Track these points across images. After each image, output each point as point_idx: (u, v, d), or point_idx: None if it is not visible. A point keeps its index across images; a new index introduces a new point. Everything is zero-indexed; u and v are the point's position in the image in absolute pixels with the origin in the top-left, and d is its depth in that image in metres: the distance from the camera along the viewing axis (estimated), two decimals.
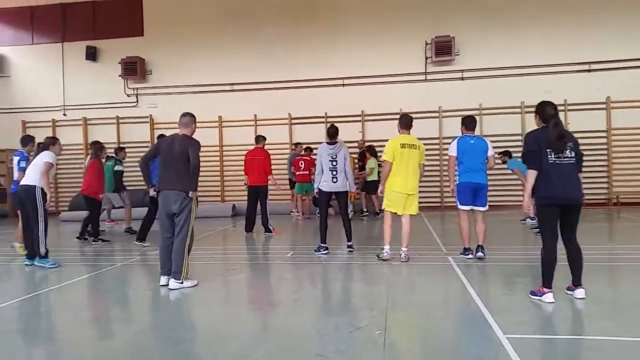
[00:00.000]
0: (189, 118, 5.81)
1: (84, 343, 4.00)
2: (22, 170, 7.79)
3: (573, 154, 4.61)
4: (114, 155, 11.06)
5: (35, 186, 6.86)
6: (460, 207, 6.75)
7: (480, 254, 6.63)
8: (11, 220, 13.50)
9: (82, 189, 9.60)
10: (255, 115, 15.05)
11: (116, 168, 10.66)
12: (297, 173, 12.34)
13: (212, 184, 15.27)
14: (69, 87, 16.02)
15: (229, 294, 5.70)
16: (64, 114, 16.01)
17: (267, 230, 9.89)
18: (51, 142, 7.41)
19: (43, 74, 16.26)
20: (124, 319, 4.73)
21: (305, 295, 5.50)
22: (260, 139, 10.24)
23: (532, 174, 4.64)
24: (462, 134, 6.88)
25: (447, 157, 13.46)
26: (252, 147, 10.37)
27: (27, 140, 8.50)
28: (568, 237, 4.70)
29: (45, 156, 7.03)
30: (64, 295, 5.73)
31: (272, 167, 10.06)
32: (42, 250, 6.93)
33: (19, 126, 15.95)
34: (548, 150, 4.56)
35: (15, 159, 8.22)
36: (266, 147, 10.30)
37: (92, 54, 15.71)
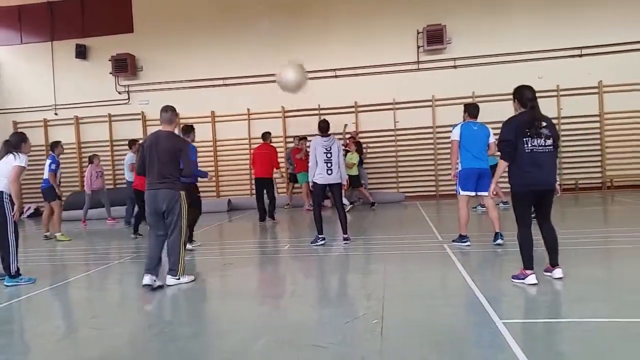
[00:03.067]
0: (171, 113, 5.52)
1: (83, 341, 4.00)
2: (53, 172, 9.39)
3: (551, 142, 4.61)
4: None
5: (2, 192, 5.84)
6: (462, 193, 6.68)
7: (499, 240, 6.54)
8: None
9: (136, 184, 9.24)
10: (248, 109, 14.99)
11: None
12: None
13: (207, 180, 15.20)
14: (59, 86, 15.90)
15: (226, 289, 5.70)
16: (56, 114, 15.89)
17: (272, 217, 10.56)
18: (22, 140, 6.30)
19: (33, 74, 16.11)
20: (122, 317, 4.71)
21: (302, 287, 5.51)
22: (266, 135, 10.90)
23: (502, 164, 4.68)
24: (465, 120, 6.85)
25: (442, 146, 13.71)
26: (259, 143, 11.05)
27: (54, 144, 9.92)
28: (543, 221, 4.79)
29: (17, 159, 5.96)
30: (60, 294, 5.72)
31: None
32: (13, 269, 5.90)
33: (10, 127, 15.80)
34: (525, 139, 4.54)
35: (48, 161, 9.56)
36: (258, 140, 10.46)
37: (81, 52, 15.57)
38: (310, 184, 7.69)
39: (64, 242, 9.36)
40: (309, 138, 12.78)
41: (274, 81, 14.46)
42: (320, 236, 7.48)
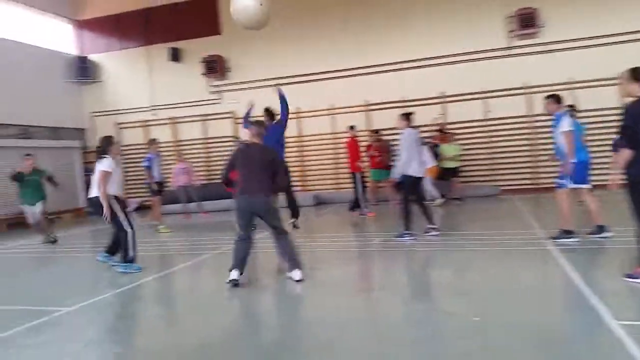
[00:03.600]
0: (261, 128, 5.80)
1: (186, 328, 4.21)
2: (147, 168, 10.20)
3: None
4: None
5: (99, 197, 6.41)
6: (578, 186, 6.41)
7: (606, 234, 6.30)
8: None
9: None
10: (332, 104, 15.06)
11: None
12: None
13: (292, 175, 15.48)
14: (155, 88, 16.86)
15: (317, 282, 5.73)
16: (154, 114, 16.89)
17: (361, 213, 10.51)
18: (108, 143, 6.75)
19: (132, 77, 17.21)
20: (219, 306, 4.91)
21: (395, 282, 5.44)
22: (351, 128, 11.09)
23: (626, 153, 4.32)
24: (558, 110, 6.52)
25: (539, 136, 12.89)
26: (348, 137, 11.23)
27: (150, 142, 10.92)
28: None
29: (100, 164, 6.52)
30: (166, 282, 6.07)
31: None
32: (131, 254, 6.50)
33: (114, 128, 17.07)
34: None
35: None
36: (340, 135, 10.47)
37: (174, 55, 16.39)
38: (398, 177, 7.55)
39: (166, 234, 9.97)
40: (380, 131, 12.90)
41: (357, 75, 14.64)
42: (407, 232, 7.35)
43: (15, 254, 8.62)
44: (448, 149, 12.23)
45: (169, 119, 16.72)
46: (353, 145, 10.85)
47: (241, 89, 15.87)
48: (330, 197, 14.26)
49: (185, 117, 16.61)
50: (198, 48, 16.11)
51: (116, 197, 6.54)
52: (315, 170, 15.45)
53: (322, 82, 15.11)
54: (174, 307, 5.17)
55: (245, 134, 7.89)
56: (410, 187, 7.48)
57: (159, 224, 10.39)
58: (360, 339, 3.59)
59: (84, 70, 17.15)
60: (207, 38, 16.17)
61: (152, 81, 16.89)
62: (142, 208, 15.57)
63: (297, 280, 5.32)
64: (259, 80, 15.58)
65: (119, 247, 6.60)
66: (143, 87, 16.95)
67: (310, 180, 15.50)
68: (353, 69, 14.78)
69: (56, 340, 4.04)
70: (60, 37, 17.21)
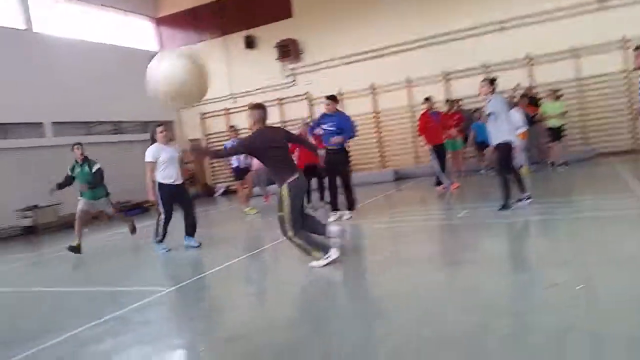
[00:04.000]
0: (264, 112, 6.02)
1: (274, 304, 4.32)
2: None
3: None
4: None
5: (153, 182, 6.96)
6: None
7: None
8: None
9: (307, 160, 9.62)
10: (408, 77, 14.68)
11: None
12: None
13: (370, 152, 15.37)
14: (233, 76, 17.29)
15: (402, 258, 5.63)
16: (234, 102, 17.36)
17: (437, 184, 10.25)
18: (153, 133, 7.19)
19: (210, 68, 17.58)
20: (307, 285, 4.96)
21: (488, 253, 5.20)
22: (425, 100, 10.55)
23: None
24: None
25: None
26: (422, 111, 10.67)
27: (230, 129, 11.55)
28: None
29: (145, 155, 6.99)
30: (255, 262, 6.25)
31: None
32: (157, 238, 7.15)
33: (198, 118, 17.80)
34: None
35: None
36: (418, 107, 10.07)
37: (250, 43, 16.70)
38: (495, 144, 7.10)
39: (253, 215, 10.34)
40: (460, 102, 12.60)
41: (433, 44, 14.11)
42: (508, 203, 6.92)
43: (117, 240, 9.26)
44: (552, 107, 11.25)
45: (248, 105, 17.08)
46: (426, 118, 10.29)
47: (315, 70, 15.91)
48: (411, 172, 14.02)
49: (263, 102, 16.87)
50: (271, 33, 16.26)
51: (163, 184, 6.90)
52: (393, 145, 15.22)
53: (396, 55, 14.76)
54: (264, 286, 5.30)
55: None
56: (507, 155, 7.09)
57: (244, 207, 10.71)
58: (456, 311, 3.47)
59: None
60: (280, 22, 16.27)
61: (230, 70, 17.32)
62: (228, 192, 16.26)
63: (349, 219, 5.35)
64: (333, 60, 15.53)
65: (194, 227, 7.20)
66: (222, 77, 17.38)
67: (388, 156, 15.30)
68: (428, 38, 14.28)
69: (159, 319, 4.29)
70: (142, 35, 18.09)
